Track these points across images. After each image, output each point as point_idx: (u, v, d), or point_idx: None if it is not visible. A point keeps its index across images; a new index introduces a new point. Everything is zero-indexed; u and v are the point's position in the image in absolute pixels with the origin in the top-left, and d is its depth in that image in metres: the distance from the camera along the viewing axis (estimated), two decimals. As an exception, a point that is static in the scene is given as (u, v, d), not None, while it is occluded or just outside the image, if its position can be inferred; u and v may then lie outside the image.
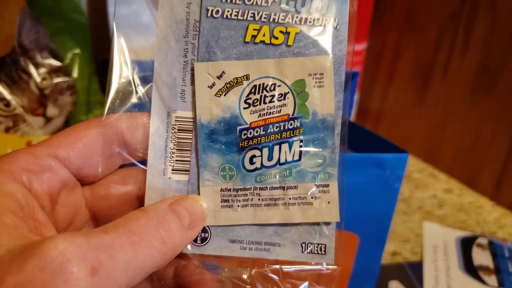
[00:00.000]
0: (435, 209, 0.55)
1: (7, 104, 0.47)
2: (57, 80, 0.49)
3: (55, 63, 0.49)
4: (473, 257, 0.46)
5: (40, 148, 0.20)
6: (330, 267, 0.23)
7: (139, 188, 0.23)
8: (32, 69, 0.48)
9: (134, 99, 0.23)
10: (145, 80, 0.23)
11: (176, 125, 0.22)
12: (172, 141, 0.22)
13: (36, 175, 0.19)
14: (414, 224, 0.51)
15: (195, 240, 0.22)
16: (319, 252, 0.23)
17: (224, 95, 0.22)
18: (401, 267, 0.45)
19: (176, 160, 0.23)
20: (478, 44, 0.54)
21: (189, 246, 0.22)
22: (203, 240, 0.22)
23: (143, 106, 0.23)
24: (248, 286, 0.23)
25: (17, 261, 0.15)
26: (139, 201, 0.23)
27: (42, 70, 0.48)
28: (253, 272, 0.23)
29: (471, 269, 0.44)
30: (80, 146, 0.21)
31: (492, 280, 0.43)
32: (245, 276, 0.23)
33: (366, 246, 0.34)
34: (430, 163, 0.64)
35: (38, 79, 0.48)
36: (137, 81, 0.23)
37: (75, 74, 0.51)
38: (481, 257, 0.46)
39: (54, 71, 0.49)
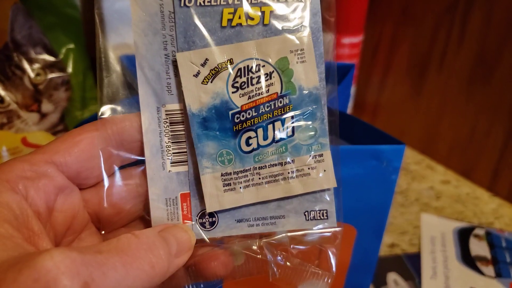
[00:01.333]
0: (432, 200, 0.55)
1: (1, 100, 0.46)
2: (52, 75, 0.49)
3: (49, 58, 0.49)
4: (470, 248, 0.46)
5: (36, 155, 0.20)
6: (333, 229, 0.24)
7: (140, 185, 0.23)
8: (25, 65, 0.47)
9: (126, 97, 0.23)
10: (135, 75, 0.23)
11: (167, 118, 0.22)
12: (166, 135, 0.22)
13: (32, 182, 0.19)
14: (411, 216, 0.51)
15: (204, 226, 0.23)
16: (322, 217, 0.24)
17: (211, 82, 0.22)
18: (399, 259, 0.45)
19: (173, 153, 0.23)
20: (474, 36, 0.54)
21: (201, 232, 0.23)
22: (212, 224, 0.23)
23: (136, 103, 0.22)
24: (259, 256, 0.24)
25: (12, 272, 0.15)
26: (141, 199, 0.23)
27: (36, 66, 0.48)
28: (262, 242, 0.24)
29: (468, 260, 0.45)
30: (76, 151, 0.21)
31: (489, 270, 0.44)
32: (255, 247, 0.24)
33: (364, 238, 0.34)
34: (427, 155, 0.64)
35: (32, 74, 0.47)
36: (127, 77, 0.23)
37: (69, 69, 0.51)
38: (478, 247, 0.46)
39: (48, 67, 0.49)
